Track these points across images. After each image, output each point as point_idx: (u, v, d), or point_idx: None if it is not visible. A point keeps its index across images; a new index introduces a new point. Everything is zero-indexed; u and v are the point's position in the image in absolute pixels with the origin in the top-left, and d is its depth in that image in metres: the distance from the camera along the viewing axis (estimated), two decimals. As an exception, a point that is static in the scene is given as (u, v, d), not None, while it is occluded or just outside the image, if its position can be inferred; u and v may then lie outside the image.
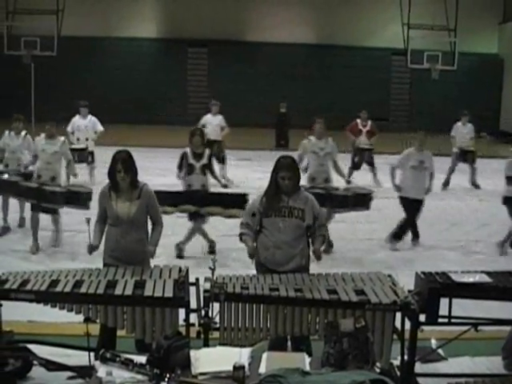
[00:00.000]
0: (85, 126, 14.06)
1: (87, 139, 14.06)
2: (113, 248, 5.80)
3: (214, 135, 14.54)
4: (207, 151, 9.38)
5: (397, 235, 10.07)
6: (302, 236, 5.76)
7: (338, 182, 10.27)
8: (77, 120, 14.09)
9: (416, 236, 10.27)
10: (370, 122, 15.05)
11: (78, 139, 14.00)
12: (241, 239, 5.91)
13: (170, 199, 8.89)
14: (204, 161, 9.23)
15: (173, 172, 9.84)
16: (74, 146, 13.18)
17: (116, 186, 5.79)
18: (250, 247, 5.74)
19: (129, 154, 5.85)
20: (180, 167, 9.33)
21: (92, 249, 5.86)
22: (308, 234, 5.81)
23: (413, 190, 9.86)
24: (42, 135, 9.78)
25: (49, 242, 9.78)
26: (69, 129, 13.93)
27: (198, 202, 8.99)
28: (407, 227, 10.12)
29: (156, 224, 6.00)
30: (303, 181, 9.19)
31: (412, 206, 9.89)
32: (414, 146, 10.07)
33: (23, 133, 10.39)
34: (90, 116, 14.13)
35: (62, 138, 9.95)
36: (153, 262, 5.83)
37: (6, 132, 10.39)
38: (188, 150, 9.28)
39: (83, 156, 13.79)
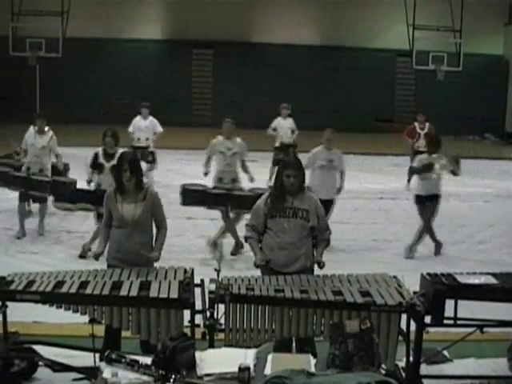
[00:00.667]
0: (145, 126, 14.27)
1: (147, 139, 14.29)
2: (117, 249, 5.81)
3: (286, 138, 14.76)
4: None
5: None
6: (306, 237, 5.75)
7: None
8: (137, 120, 14.32)
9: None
10: (427, 125, 14.83)
11: (138, 139, 14.22)
12: (246, 241, 5.93)
13: (72, 196, 9.43)
14: (114, 161, 8.26)
15: (178, 173, 9.88)
16: (135, 145, 13.81)
17: (122, 187, 5.79)
18: (257, 257, 5.72)
19: (135, 155, 5.89)
20: (92, 166, 9.17)
21: (97, 255, 5.86)
22: (312, 236, 5.81)
23: (322, 190, 9.20)
24: (32, 130, 10.20)
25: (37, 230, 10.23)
26: (130, 129, 14.20)
27: (96, 202, 8.66)
28: None
29: (160, 227, 5.99)
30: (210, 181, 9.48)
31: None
32: (323, 145, 9.81)
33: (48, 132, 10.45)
34: (150, 117, 14.38)
35: (51, 134, 10.27)
36: (157, 264, 5.83)
37: (31, 128, 10.44)
38: (100, 149, 9.11)
39: (144, 155, 13.85)
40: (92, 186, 9.27)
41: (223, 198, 9.24)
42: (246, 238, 5.89)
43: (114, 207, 5.79)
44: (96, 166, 9.09)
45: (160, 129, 14.45)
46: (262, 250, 5.79)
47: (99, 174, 9.09)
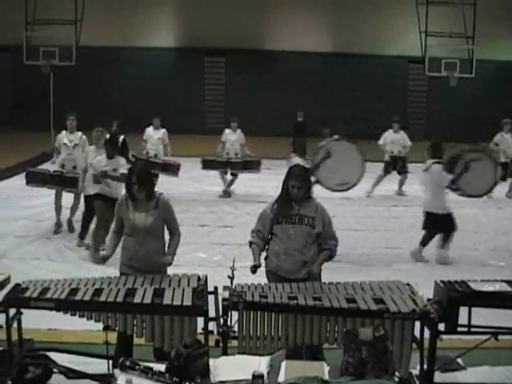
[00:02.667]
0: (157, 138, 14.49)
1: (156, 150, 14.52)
2: (130, 257, 5.82)
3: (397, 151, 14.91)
4: None
5: None
6: (312, 243, 5.79)
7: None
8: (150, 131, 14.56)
9: None
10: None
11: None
12: (250, 246, 5.95)
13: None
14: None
15: (190, 180, 9.88)
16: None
17: (133, 196, 5.83)
18: (255, 261, 5.74)
19: (145, 166, 5.93)
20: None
21: (105, 259, 5.87)
22: (318, 243, 5.82)
23: None
24: (64, 132, 11.19)
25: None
26: (145, 137, 14.53)
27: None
28: None
29: (173, 234, 6.01)
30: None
31: None
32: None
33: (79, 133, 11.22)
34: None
35: (80, 133, 11.18)
36: (171, 271, 5.84)
37: (63, 132, 11.26)
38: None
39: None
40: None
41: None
42: (250, 243, 5.92)
43: (126, 215, 5.81)
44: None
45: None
46: (267, 257, 5.85)
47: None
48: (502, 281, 5.38)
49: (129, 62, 25.79)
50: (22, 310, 5.22)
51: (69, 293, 5.17)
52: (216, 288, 5.37)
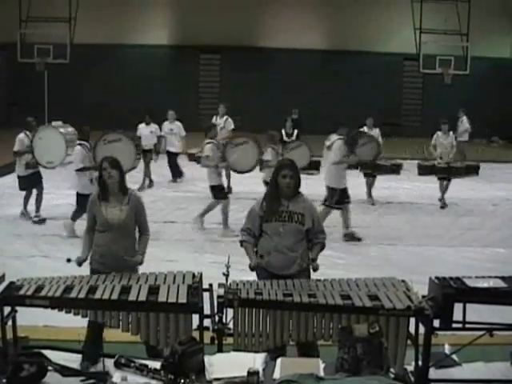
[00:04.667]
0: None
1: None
2: (102, 254, 5.82)
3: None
4: None
5: None
6: (302, 240, 5.78)
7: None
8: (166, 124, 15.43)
9: None
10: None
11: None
12: (241, 245, 5.93)
13: None
14: None
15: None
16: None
17: (105, 190, 5.81)
18: (252, 260, 5.74)
19: (115, 158, 5.93)
20: None
21: (81, 261, 5.84)
22: (308, 238, 5.83)
23: None
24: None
25: None
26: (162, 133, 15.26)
27: None
28: None
29: (143, 232, 6.01)
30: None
31: None
32: None
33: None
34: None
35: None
36: (166, 269, 5.83)
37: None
38: None
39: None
40: None
41: None
42: (242, 242, 5.90)
43: (99, 211, 5.80)
44: None
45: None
46: (256, 254, 5.82)
47: None
48: (496, 277, 5.39)
49: (123, 59, 25.76)
50: (17, 308, 5.21)
51: (63, 290, 5.17)
52: (211, 285, 5.37)
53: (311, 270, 5.78)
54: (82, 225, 10.15)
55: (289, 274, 5.62)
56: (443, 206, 13.45)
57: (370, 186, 13.89)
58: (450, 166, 13.54)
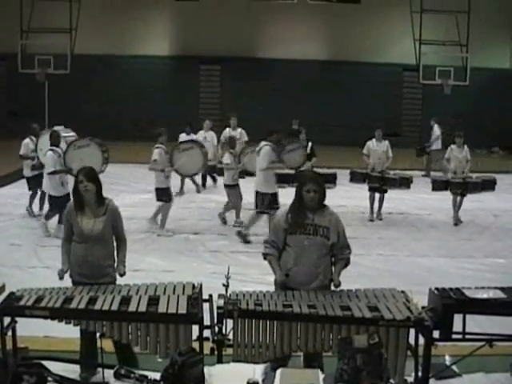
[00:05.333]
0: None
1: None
2: (79, 264, 5.79)
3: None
4: None
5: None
6: (326, 255, 5.64)
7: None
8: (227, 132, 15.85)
9: None
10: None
11: None
12: (265, 258, 5.77)
13: None
14: None
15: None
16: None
17: (80, 202, 5.78)
18: (277, 274, 5.59)
19: (92, 169, 5.92)
20: None
21: (63, 273, 5.82)
22: (332, 253, 5.68)
23: None
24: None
25: None
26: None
27: None
28: None
29: (120, 240, 6.00)
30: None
31: None
32: None
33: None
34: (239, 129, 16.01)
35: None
36: (166, 279, 5.83)
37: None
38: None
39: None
40: None
41: None
42: (266, 255, 5.74)
43: (75, 222, 5.78)
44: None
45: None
46: (280, 267, 5.63)
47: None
48: (496, 288, 5.39)
49: (124, 70, 25.81)
50: (17, 319, 5.21)
51: (63, 301, 5.17)
52: (211, 296, 5.36)
53: (332, 287, 5.65)
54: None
55: (309, 289, 5.49)
56: (457, 222, 12.91)
57: (381, 201, 13.29)
58: (465, 180, 12.78)
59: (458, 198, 12.87)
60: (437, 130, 19.16)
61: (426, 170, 18.86)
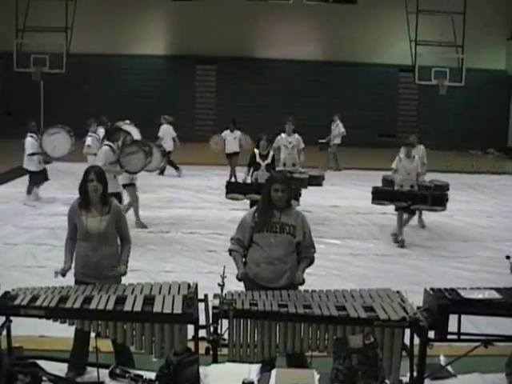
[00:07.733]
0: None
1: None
2: (83, 264, 5.81)
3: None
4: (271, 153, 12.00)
5: None
6: (292, 252, 5.79)
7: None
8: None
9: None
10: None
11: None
12: (230, 254, 5.94)
13: (240, 189, 11.90)
14: (268, 161, 11.82)
15: (181, 188, 9.87)
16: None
17: (86, 200, 5.80)
18: (240, 271, 5.76)
19: (101, 169, 5.97)
20: (249, 165, 11.96)
21: (65, 271, 5.82)
22: (297, 252, 5.83)
23: None
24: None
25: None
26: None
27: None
28: None
29: (124, 240, 6.03)
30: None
31: None
32: None
33: None
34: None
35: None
36: (162, 279, 5.83)
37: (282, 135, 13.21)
38: (256, 151, 11.87)
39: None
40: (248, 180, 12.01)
41: None
42: (231, 251, 5.91)
43: (79, 220, 5.80)
44: (252, 164, 11.86)
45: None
46: (245, 264, 5.82)
47: (256, 171, 11.77)
48: (491, 288, 5.39)
49: (119, 69, 25.80)
50: (12, 318, 5.19)
51: (59, 300, 5.15)
52: (206, 296, 5.36)
53: (309, 283, 5.75)
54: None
55: (277, 286, 5.61)
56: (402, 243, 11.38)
57: (405, 222, 11.65)
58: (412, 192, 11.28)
59: (405, 215, 11.50)
60: (341, 127, 19.55)
61: (326, 165, 18.96)
